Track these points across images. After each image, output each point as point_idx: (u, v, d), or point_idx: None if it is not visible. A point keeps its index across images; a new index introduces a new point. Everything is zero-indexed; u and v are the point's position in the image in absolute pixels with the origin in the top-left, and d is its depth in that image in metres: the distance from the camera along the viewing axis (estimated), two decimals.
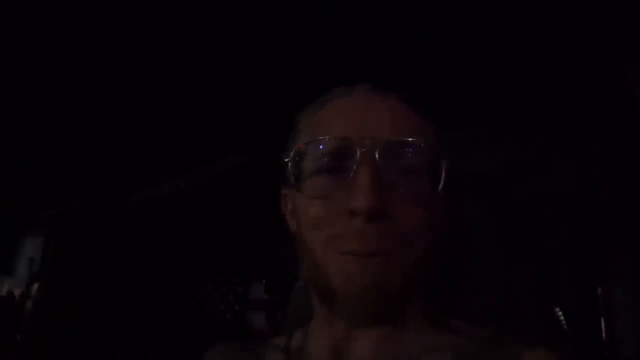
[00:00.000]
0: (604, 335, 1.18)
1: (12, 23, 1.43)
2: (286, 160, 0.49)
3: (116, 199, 2.39)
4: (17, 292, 3.09)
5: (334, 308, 0.49)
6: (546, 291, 1.32)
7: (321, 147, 0.48)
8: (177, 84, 1.75)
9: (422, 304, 0.53)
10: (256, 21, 1.43)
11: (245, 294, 2.42)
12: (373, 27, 1.42)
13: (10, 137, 2.11)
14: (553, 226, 1.41)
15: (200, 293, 2.58)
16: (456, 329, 0.51)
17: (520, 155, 1.51)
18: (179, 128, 2.05)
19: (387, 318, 0.49)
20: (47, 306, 2.77)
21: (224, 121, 1.97)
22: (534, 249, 1.40)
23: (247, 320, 2.36)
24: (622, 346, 1.17)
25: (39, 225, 2.70)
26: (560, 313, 1.21)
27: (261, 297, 2.33)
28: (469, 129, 1.56)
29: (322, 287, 0.48)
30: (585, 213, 1.36)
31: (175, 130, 2.07)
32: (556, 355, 0.48)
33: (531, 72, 1.50)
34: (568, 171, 1.43)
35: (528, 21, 1.37)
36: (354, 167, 0.45)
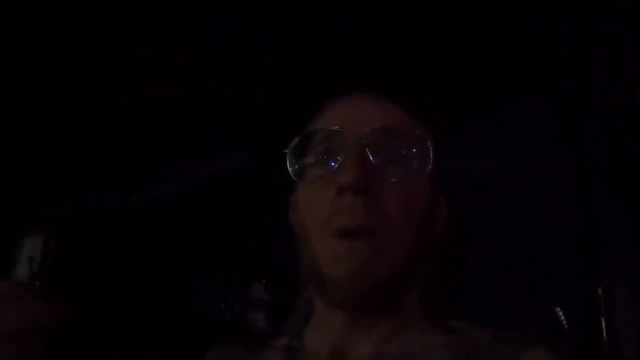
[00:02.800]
0: (604, 335, 1.18)
1: (11, 23, 1.43)
2: (285, 151, 0.54)
3: (116, 199, 2.39)
4: None
5: (326, 297, 0.50)
6: (546, 291, 1.32)
7: (315, 138, 0.53)
8: (177, 84, 1.75)
9: (422, 303, 0.53)
10: (257, 22, 1.43)
11: (245, 294, 2.42)
12: (372, 26, 1.42)
13: (9, 137, 2.11)
14: (553, 226, 1.40)
15: (200, 293, 2.58)
16: (456, 329, 0.51)
17: (520, 155, 1.51)
18: (179, 128, 2.05)
19: (382, 311, 0.50)
20: None
21: (224, 121, 1.97)
22: (534, 249, 1.40)
23: (247, 320, 2.35)
24: (623, 346, 1.17)
25: (39, 225, 2.70)
26: (560, 313, 1.21)
27: (261, 297, 2.33)
28: (469, 129, 1.56)
29: (315, 276, 0.50)
30: (585, 212, 1.36)
31: (175, 130, 2.07)
32: (556, 355, 0.48)
33: (531, 72, 1.50)
34: (568, 171, 1.43)
35: (529, 21, 1.36)
36: (344, 153, 0.50)
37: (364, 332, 0.51)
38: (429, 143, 0.51)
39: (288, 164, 0.53)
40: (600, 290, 1.23)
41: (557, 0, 1.31)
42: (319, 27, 1.44)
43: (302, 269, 0.58)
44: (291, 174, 0.53)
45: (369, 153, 0.49)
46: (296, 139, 0.53)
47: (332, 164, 0.51)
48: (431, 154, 0.50)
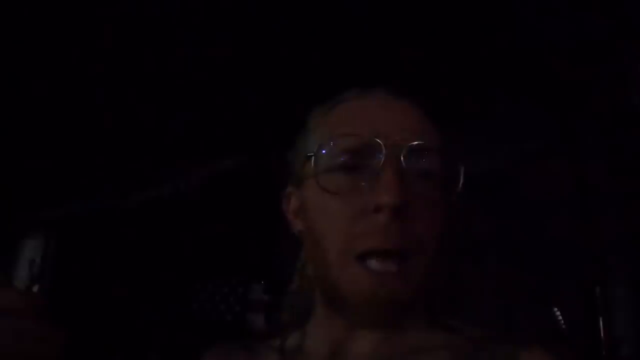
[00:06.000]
0: (602, 334, 1.18)
1: (10, 23, 1.43)
2: (309, 154, 0.49)
3: (116, 200, 2.39)
4: None
5: (338, 311, 0.49)
6: (545, 291, 1.32)
7: (345, 143, 0.48)
8: (177, 84, 1.75)
9: (422, 304, 0.54)
10: (258, 22, 1.43)
11: (245, 294, 2.42)
12: (372, 25, 1.42)
13: (9, 139, 2.11)
14: (552, 226, 1.41)
15: (200, 294, 2.58)
16: (455, 328, 0.52)
17: (520, 156, 1.51)
18: (179, 128, 2.05)
19: (391, 322, 0.49)
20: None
21: (224, 121, 1.97)
22: (532, 249, 1.40)
23: (247, 321, 2.35)
24: (620, 345, 1.17)
25: (39, 227, 2.70)
26: (558, 313, 1.22)
27: (261, 297, 2.33)
28: (469, 129, 1.57)
29: (330, 290, 0.48)
30: (584, 212, 1.36)
31: (175, 131, 2.07)
32: (554, 355, 0.48)
33: (532, 72, 1.50)
34: (568, 171, 1.43)
35: (530, 22, 1.37)
36: (379, 167, 0.46)
37: (365, 333, 0.51)
38: (459, 162, 0.48)
39: (312, 166, 0.48)
40: (597, 290, 1.23)
41: (559, 3, 1.31)
42: (319, 25, 1.44)
43: (300, 272, 0.57)
44: (306, 177, 0.49)
45: (405, 169, 0.46)
46: (323, 141, 0.48)
47: (364, 176, 0.46)
48: (461, 175, 0.48)
